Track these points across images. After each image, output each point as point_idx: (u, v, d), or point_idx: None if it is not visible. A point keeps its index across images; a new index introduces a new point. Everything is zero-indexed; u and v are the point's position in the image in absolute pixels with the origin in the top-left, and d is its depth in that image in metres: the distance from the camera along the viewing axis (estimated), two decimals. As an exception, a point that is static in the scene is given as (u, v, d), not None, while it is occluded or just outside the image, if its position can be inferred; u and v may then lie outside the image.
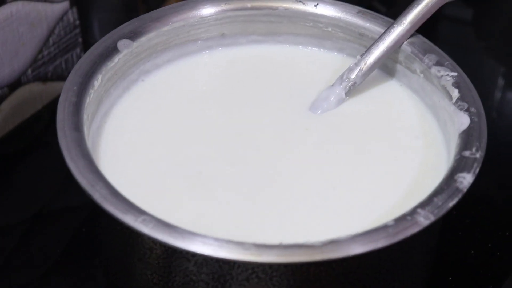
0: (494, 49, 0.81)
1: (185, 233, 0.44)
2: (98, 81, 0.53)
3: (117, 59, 0.55)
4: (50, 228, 0.61)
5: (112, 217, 0.45)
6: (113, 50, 0.55)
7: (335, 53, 0.61)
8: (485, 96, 0.74)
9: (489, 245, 0.60)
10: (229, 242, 0.44)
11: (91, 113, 0.52)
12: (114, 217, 0.45)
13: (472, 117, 0.51)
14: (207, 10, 0.58)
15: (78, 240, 0.60)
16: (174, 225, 0.44)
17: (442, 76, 0.54)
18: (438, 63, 0.55)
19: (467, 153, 0.49)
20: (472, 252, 0.60)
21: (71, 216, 0.62)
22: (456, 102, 0.52)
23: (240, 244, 0.44)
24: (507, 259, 0.59)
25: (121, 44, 0.55)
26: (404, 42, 0.56)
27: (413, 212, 0.45)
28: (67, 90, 0.51)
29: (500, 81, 0.76)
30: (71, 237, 0.60)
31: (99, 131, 0.54)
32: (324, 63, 0.60)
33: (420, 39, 0.56)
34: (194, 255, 0.45)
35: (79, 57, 0.71)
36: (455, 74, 0.54)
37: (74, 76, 0.52)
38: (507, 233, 0.61)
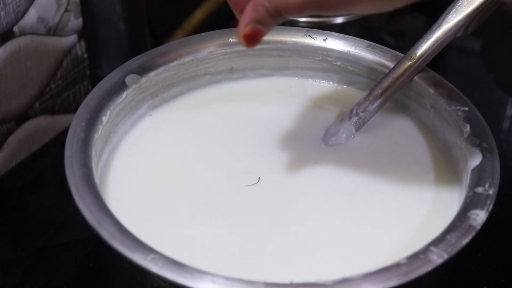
0: (502, 80, 0.81)
1: (194, 272, 0.43)
2: (106, 117, 0.53)
3: (125, 94, 0.54)
4: (56, 263, 0.61)
5: (120, 255, 0.44)
6: (121, 85, 0.54)
7: (345, 87, 0.60)
8: (494, 127, 0.73)
9: (502, 280, 0.59)
10: (239, 281, 0.43)
11: (99, 149, 0.52)
12: (123, 255, 0.44)
13: (484, 152, 0.50)
14: (215, 45, 0.58)
15: (85, 275, 0.60)
16: (184, 263, 0.44)
17: (453, 111, 0.54)
18: (449, 98, 0.54)
19: (480, 190, 0.48)
20: (484, 287, 0.59)
21: (78, 250, 0.62)
22: (468, 137, 0.52)
23: (250, 283, 0.43)
24: (520, 294, 0.59)
25: (129, 79, 0.55)
26: (414, 77, 0.56)
27: (426, 250, 0.45)
28: (75, 126, 0.51)
29: (509, 112, 0.76)
30: (77, 272, 0.60)
31: (107, 167, 0.53)
32: (333, 97, 0.60)
33: (430, 73, 0.56)
34: (204, 294, 0.44)
35: (87, 90, 0.71)
36: (466, 108, 0.53)
37: (82, 112, 0.52)
38: (519, 268, 0.60)
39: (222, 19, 0.80)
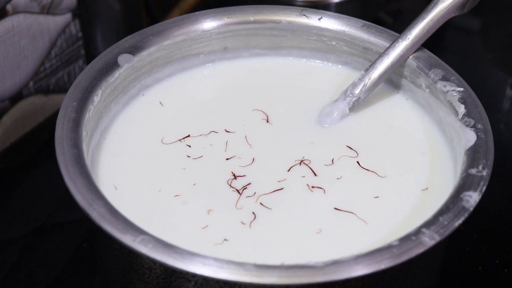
0: (502, 60, 0.80)
1: (184, 253, 0.43)
2: (98, 97, 0.52)
3: (117, 74, 0.54)
4: (51, 243, 0.61)
5: (110, 236, 0.44)
6: (113, 65, 0.54)
7: (340, 67, 0.60)
8: (493, 107, 0.73)
9: (497, 261, 0.59)
10: (230, 262, 0.43)
11: (91, 129, 0.52)
12: (113, 237, 0.44)
13: (479, 133, 0.50)
14: (209, 24, 0.58)
15: (79, 256, 0.60)
16: (174, 245, 0.44)
17: (448, 91, 0.53)
18: (444, 78, 0.54)
19: (473, 171, 0.48)
20: (480, 268, 0.59)
21: (73, 230, 0.62)
22: (463, 118, 0.51)
23: (241, 265, 0.43)
24: (515, 275, 0.59)
25: (121, 58, 0.54)
26: (410, 57, 0.55)
27: (418, 231, 0.45)
28: (66, 106, 0.50)
29: (509, 92, 0.75)
30: (72, 253, 0.60)
31: (99, 148, 0.53)
32: (328, 77, 0.60)
33: (426, 53, 0.55)
34: (194, 275, 0.44)
35: (81, 70, 0.70)
36: (461, 89, 0.53)
37: (73, 92, 0.51)
38: (515, 249, 0.60)
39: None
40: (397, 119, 0.56)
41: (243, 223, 0.49)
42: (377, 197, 0.51)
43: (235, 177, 0.52)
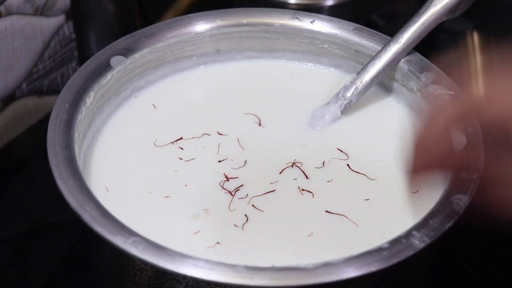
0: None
1: (175, 255, 0.43)
2: (90, 98, 0.52)
3: (110, 76, 0.54)
4: (43, 245, 0.61)
5: (102, 238, 0.44)
6: (106, 67, 0.54)
7: (332, 70, 0.60)
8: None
9: (487, 264, 0.59)
10: (220, 264, 0.43)
11: (83, 131, 0.52)
12: (104, 238, 0.44)
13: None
14: (202, 27, 0.58)
15: (71, 257, 0.60)
16: (165, 246, 0.44)
17: (439, 94, 0.53)
18: (435, 82, 0.54)
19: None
20: (470, 271, 0.59)
21: (65, 232, 0.62)
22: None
23: (231, 267, 0.43)
24: (506, 279, 0.59)
25: (114, 60, 0.55)
26: (401, 60, 0.55)
27: (408, 234, 0.45)
28: (58, 107, 0.51)
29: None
30: (64, 254, 0.60)
31: (91, 149, 0.53)
32: (321, 80, 0.60)
33: (417, 57, 0.56)
34: (185, 277, 0.44)
35: (75, 71, 0.70)
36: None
37: (65, 93, 0.52)
38: (506, 253, 0.60)
39: (213, 0, 0.80)
40: (388, 122, 0.57)
41: (236, 226, 0.49)
42: (368, 199, 0.51)
43: (227, 179, 0.52)
